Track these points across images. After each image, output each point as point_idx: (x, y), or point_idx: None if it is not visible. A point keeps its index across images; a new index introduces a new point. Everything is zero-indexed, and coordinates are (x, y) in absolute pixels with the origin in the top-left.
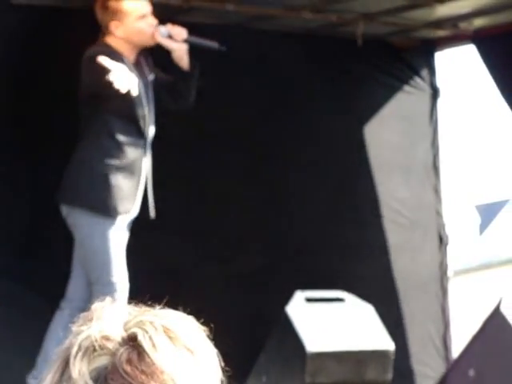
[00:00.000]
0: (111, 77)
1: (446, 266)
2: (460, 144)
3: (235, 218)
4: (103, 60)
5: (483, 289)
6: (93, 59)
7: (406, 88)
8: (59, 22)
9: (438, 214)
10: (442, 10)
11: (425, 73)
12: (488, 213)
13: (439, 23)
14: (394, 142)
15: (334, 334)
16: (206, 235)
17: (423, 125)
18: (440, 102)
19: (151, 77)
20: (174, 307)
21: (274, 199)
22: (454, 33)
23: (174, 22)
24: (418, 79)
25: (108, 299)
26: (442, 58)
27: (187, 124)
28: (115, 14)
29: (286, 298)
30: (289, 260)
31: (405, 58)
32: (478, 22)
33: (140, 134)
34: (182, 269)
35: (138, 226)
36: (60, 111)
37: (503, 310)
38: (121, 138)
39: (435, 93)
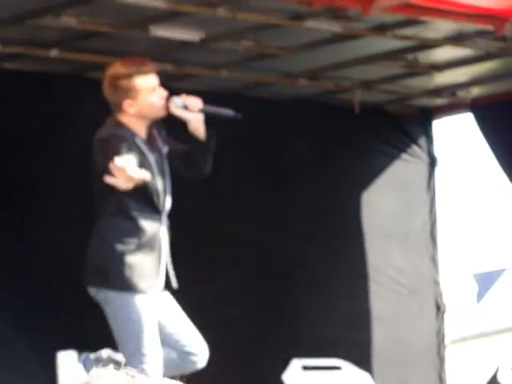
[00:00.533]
0: (110, 179)
1: (444, 334)
2: (458, 212)
3: (234, 284)
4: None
5: (481, 357)
6: (103, 143)
7: (404, 156)
8: (49, 87)
9: (436, 282)
10: (440, 79)
11: (422, 141)
12: (485, 281)
13: (437, 91)
14: (391, 210)
15: None
16: (198, 304)
17: (421, 193)
18: (438, 169)
19: (165, 149)
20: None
21: (271, 266)
22: (452, 101)
23: (170, 88)
24: (415, 147)
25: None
26: (440, 126)
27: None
28: (127, 92)
29: (283, 365)
30: (286, 327)
31: (402, 126)
32: (476, 91)
33: (155, 209)
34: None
35: None
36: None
37: (500, 378)
38: (137, 216)
39: (433, 161)
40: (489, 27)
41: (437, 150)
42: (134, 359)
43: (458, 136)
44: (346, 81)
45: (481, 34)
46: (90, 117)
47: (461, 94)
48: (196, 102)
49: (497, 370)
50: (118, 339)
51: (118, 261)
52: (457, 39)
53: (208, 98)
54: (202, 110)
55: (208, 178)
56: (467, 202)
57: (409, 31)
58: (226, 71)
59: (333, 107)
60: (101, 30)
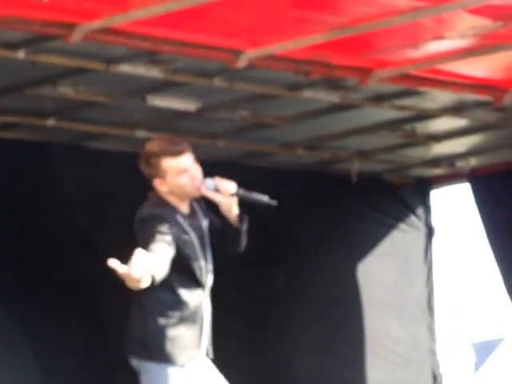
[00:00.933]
0: (121, 274)
1: None
2: (456, 281)
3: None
4: (114, 265)
5: None
6: (143, 222)
7: (401, 226)
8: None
9: (432, 352)
10: (439, 149)
11: (420, 211)
12: (483, 351)
13: (435, 162)
14: (388, 280)
15: None
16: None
17: (418, 263)
18: (435, 239)
19: (205, 223)
20: None
21: (267, 338)
22: (450, 171)
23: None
24: (413, 217)
25: None
26: (438, 195)
27: None
28: (156, 171)
29: None
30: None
31: (400, 196)
32: (474, 161)
33: (198, 283)
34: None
35: None
36: None
37: None
38: (180, 290)
39: (430, 231)
40: (488, 98)
41: (434, 220)
42: None
43: (456, 206)
44: (343, 150)
45: (480, 104)
46: (86, 184)
47: (459, 164)
48: (229, 186)
49: None
50: None
51: (160, 334)
52: (455, 110)
53: (205, 167)
54: (234, 194)
55: None
56: (465, 271)
57: (407, 101)
58: (222, 141)
59: (331, 177)
60: (97, 99)
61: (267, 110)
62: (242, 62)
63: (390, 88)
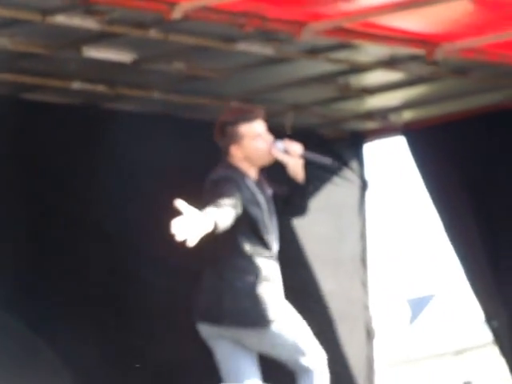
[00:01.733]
0: (172, 227)
1: (373, 358)
2: (391, 236)
3: (151, 312)
4: (181, 205)
5: (413, 381)
6: (213, 183)
7: (335, 180)
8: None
9: (366, 307)
10: (372, 102)
11: (354, 165)
12: (417, 306)
13: (369, 115)
14: (322, 234)
15: None
16: (118, 327)
17: (352, 217)
18: (369, 193)
19: (269, 191)
20: None
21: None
22: (384, 125)
23: (102, 109)
24: (347, 171)
25: None
26: (372, 149)
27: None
28: (233, 137)
29: None
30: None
31: (334, 150)
32: (408, 115)
33: (267, 246)
34: (92, 366)
35: None
36: None
37: None
38: (251, 254)
39: (364, 185)
40: (421, 51)
41: (368, 174)
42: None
43: (390, 159)
44: (277, 104)
45: (413, 58)
46: (24, 137)
47: (392, 117)
48: (297, 148)
49: None
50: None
51: (237, 298)
52: (389, 63)
53: (140, 118)
54: (302, 156)
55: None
56: (400, 225)
57: (341, 55)
58: (158, 93)
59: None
60: (34, 51)
61: (202, 62)
62: (177, 14)
63: (324, 41)
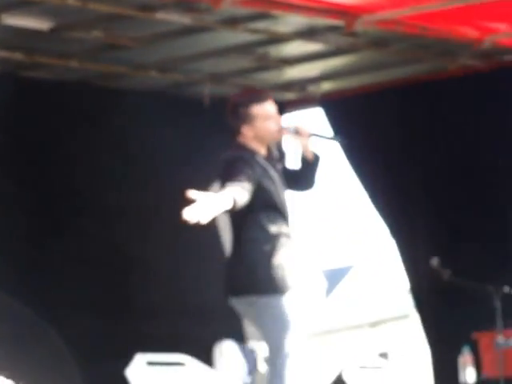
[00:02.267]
0: (188, 210)
1: None
2: (309, 208)
3: (76, 280)
4: (193, 194)
5: (329, 353)
6: (227, 163)
7: None
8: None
9: None
10: (291, 73)
11: None
12: (334, 278)
13: (288, 86)
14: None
15: None
16: (41, 294)
17: None
18: (286, 163)
19: (279, 166)
20: None
21: (115, 262)
22: (303, 95)
23: (20, 77)
24: None
25: None
26: (290, 119)
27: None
28: (245, 118)
29: (127, 360)
30: (130, 323)
31: None
32: (326, 86)
33: (282, 216)
34: (13, 332)
35: None
36: None
37: (345, 376)
38: (268, 226)
39: (281, 155)
40: (340, 23)
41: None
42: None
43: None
44: (196, 73)
45: (332, 29)
46: None
47: (311, 88)
48: (307, 128)
49: (342, 368)
50: (268, 336)
51: (262, 269)
52: (308, 34)
53: (58, 87)
54: (311, 135)
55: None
56: (318, 197)
57: (260, 25)
58: (76, 61)
59: (183, 99)
60: None
61: (121, 30)
62: None
63: (243, 11)
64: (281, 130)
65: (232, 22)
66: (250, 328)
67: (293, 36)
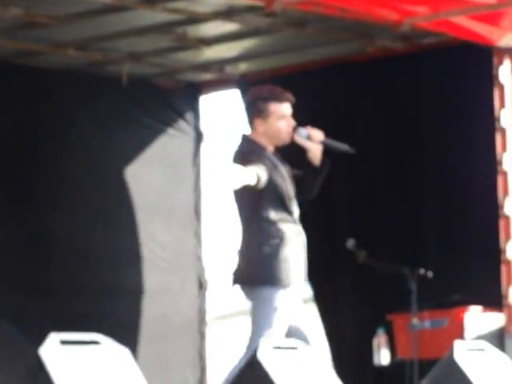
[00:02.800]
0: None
1: (205, 310)
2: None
3: None
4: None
5: (242, 335)
6: (243, 155)
7: (170, 131)
8: None
9: (198, 258)
10: (209, 53)
11: (189, 116)
12: None
13: (205, 66)
14: (156, 185)
15: (90, 378)
16: None
17: (186, 168)
18: (204, 145)
19: (286, 167)
20: None
21: (27, 239)
22: (220, 76)
23: None
24: (182, 122)
25: None
26: (209, 101)
27: None
28: (260, 112)
29: (40, 339)
30: (42, 301)
31: (170, 100)
32: (244, 67)
33: (289, 212)
34: None
35: None
36: None
37: (260, 356)
38: (275, 219)
39: (199, 136)
40: (259, 3)
41: (203, 125)
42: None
43: (226, 111)
44: (114, 52)
45: (250, 9)
46: None
47: (229, 69)
48: (318, 134)
49: (257, 348)
50: (256, 326)
51: (267, 261)
52: (226, 14)
53: None
54: (322, 142)
55: None
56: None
57: (178, 4)
58: None
59: (101, 78)
60: None
61: (39, 8)
62: None
63: None
64: (292, 133)
65: (151, 1)
66: None
67: (211, 16)
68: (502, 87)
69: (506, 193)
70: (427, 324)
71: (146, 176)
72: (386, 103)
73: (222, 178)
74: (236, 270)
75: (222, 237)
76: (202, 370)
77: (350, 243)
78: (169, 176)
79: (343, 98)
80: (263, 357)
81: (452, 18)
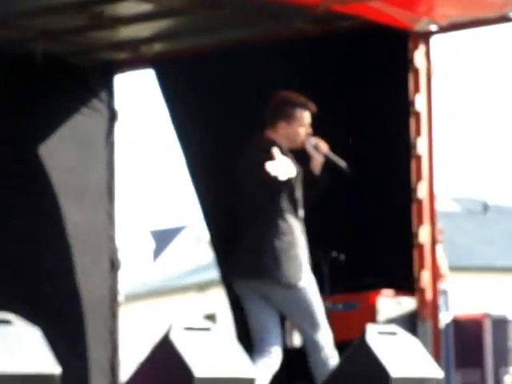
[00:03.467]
0: (268, 166)
1: (117, 290)
2: (139, 168)
3: None
4: (275, 152)
5: (155, 315)
6: (266, 151)
7: (84, 110)
8: None
9: (111, 238)
10: (124, 33)
11: (103, 95)
12: (163, 239)
13: (120, 45)
14: (68, 164)
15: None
16: None
17: (99, 148)
18: (118, 124)
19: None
20: None
21: None
22: (134, 56)
23: None
24: (96, 101)
25: None
26: (125, 81)
27: None
28: (286, 116)
29: None
30: None
31: (84, 79)
32: (158, 47)
33: (296, 212)
34: None
35: None
36: None
37: (172, 337)
38: (286, 217)
39: (113, 116)
40: None
41: (118, 105)
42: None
43: (141, 91)
44: (29, 30)
45: None
46: None
47: (143, 49)
48: (324, 146)
49: (169, 329)
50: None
51: (281, 255)
52: None
53: None
54: (325, 154)
55: None
56: (149, 158)
57: None
58: None
59: (15, 56)
60: None
61: None
62: None
63: None
64: (304, 142)
65: None
66: None
67: None
68: (416, 72)
69: (419, 177)
70: (340, 307)
71: (60, 154)
72: (299, 85)
73: (272, 169)
74: (243, 264)
75: (135, 216)
76: (114, 349)
77: None
78: (82, 155)
79: (256, 79)
80: (175, 337)
81: (368, 1)
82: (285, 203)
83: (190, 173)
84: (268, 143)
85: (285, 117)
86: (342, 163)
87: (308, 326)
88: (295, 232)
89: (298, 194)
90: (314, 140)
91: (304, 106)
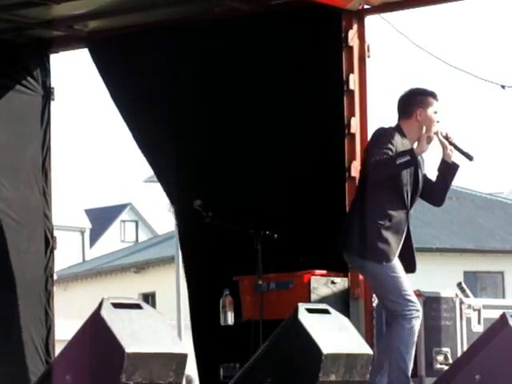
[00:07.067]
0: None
1: (52, 269)
2: (74, 146)
3: None
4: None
5: (89, 294)
6: (380, 137)
7: (18, 87)
8: None
9: (46, 216)
10: (58, 10)
11: (38, 73)
12: (101, 218)
13: (54, 23)
14: (2, 142)
15: None
16: None
17: (34, 125)
18: (54, 103)
19: (423, 171)
20: None
21: None
22: (69, 34)
23: None
24: (30, 79)
25: None
26: (57, 57)
27: None
28: (421, 103)
29: None
30: None
31: (18, 57)
32: (93, 24)
33: (404, 205)
34: None
35: None
36: None
37: (103, 313)
38: (391, 204)
39: (48, 94)
40: None
41: (53, 83)
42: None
43: (76, 69)
44: None
45: None
46: None
47: (78, 26)
48: (453, 136)
49: (99, 306)
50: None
51: (378, 237)
52: None
53: None
54: (454, 143)
55: None
56: (87, 135)
57: None
58: None
59: None
60: None
61: None
62: None
63: None
64: (437, 130)
65: None
66: None
67: None
68: (350, 50)
69: (353, 156)
70: (272, 286)
71: None
72: (232, 64)
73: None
74: (347, 238)
75: (69, 194)
76: (49, 328)
77: (197, 203)
78: (16, 133)
79: (189, 57)
80: (105, 313)
81: None
82: (391, 192)
83: (137, 141)
84: (390, 130)
85: (420, 104)
86: (467, 152)
87: (397, 298)
88: (396, 219)
89: (408, 187)
90: (443, 130)
91: (434, 96)
